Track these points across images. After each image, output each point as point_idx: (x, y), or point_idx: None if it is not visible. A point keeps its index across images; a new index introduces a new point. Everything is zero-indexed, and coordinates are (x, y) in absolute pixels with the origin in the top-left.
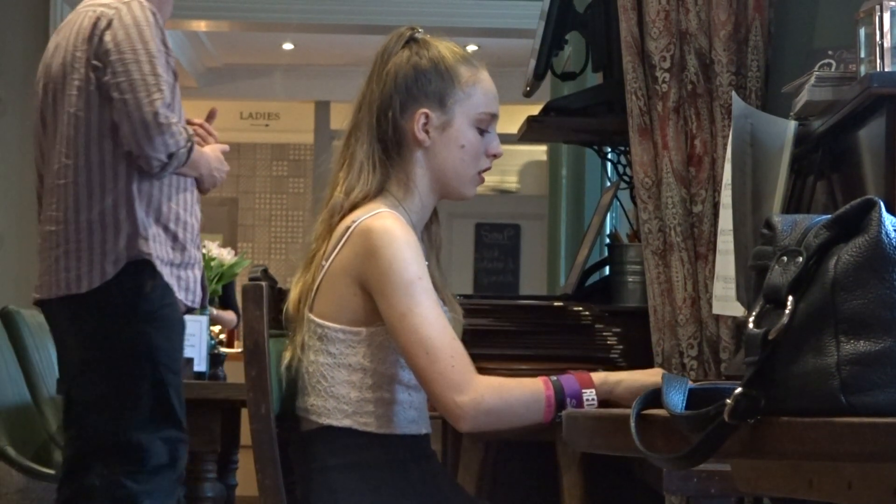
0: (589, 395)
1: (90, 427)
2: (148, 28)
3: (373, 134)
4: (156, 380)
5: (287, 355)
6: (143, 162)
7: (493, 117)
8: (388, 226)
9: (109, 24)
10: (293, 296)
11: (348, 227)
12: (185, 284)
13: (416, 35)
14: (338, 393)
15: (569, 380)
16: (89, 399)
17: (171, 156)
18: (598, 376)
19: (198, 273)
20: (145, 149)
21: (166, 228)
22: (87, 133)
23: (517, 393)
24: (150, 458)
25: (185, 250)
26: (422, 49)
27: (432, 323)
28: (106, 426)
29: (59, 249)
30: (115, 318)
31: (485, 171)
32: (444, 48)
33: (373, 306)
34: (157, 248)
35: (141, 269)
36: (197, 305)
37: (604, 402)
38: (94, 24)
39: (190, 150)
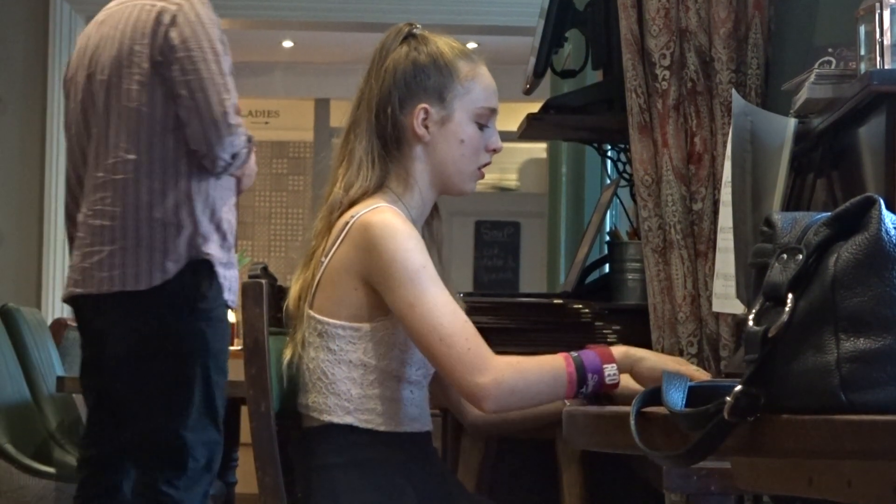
0: (610, 369)
1: (133, 426)
2: (212, 26)
3: (372, 130)
4: (206, 379)
5: (288, 353)
6: (209, 161)
7: (493, 112)
8: (388, 219)
9: (174, 21)
10: (293, 293)
11: (347, 223)
12: (229, 284)
13: (415, 31)
14: (339, 390)
15: (589, 355)
16: (136, 398)
17: (234, 156)
18: (619, 350)
19: (237, 273)
20: (214, 148)
21: (218, 228)
22: (151, 129)
23: (538, 371)
24: (192, 461)
25: (230, 250)
26: (420, 45)
27: (442, 309)
28: (152, 426)
29: (115, 245)
30: (174, 317)
31: (484, 166)
32: (443, 43)
33: (374, 301)
34: (214, 248)
35: (199, 269)
36: (234, 305)
37: (610, 398)
38: (157, 20)
39: (249, 151)
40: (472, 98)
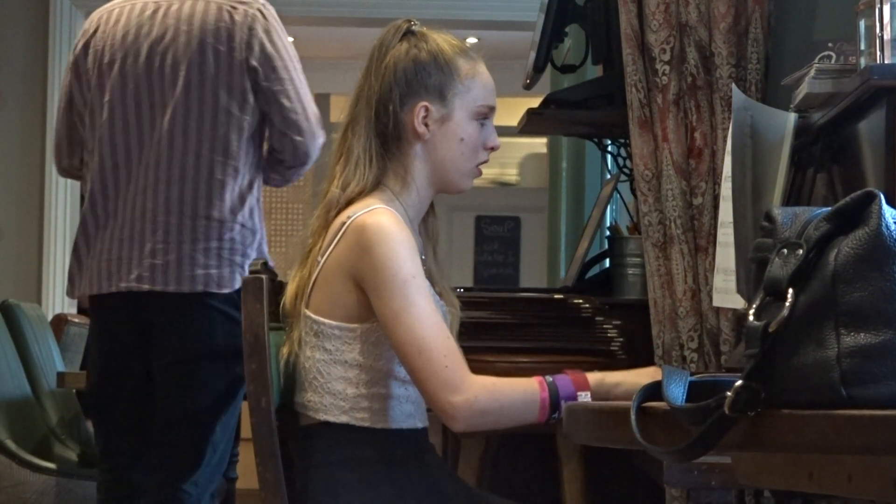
0: (584, 397)
1: (178, 428)
2: (284, 31)
3: (371, 127)
4: (241, 381)
5: (285, 351)
6: (293, 172)
7: (492, 110)
8: (383, 223)
9: (265, 29)
10: (290, 291)
11: (343, 223)
12: None
13: (413, 28)
14: (334, 389)
15: (564, 381)
16: (185, 400)
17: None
18: (595, 377)
19: None
20: (310, 159)
21: (263, 234)
22: (240, 133)
23: (511, 394)
24: (213, 457)
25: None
26: (420, 42)
27: (426, 322)
28: (194, 426)
29: (199, 245)
30: (234, 322)
31: (482, 163)
32: (443, 41)
33: (367, 302)
34: (268, 254)
35: None
36: None
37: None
38: (250, 27)
39: None
40: (472, 96)
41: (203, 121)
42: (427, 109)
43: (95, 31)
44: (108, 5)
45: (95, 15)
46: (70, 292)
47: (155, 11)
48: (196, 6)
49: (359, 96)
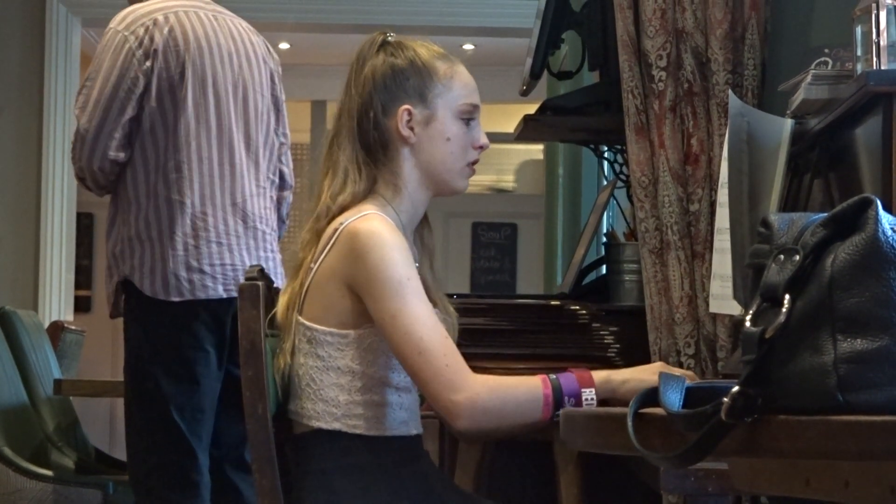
0: (588, 394)
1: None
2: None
3: (354, 138)
4: None
5: (280, 363)
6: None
7: (475, 108)
8: (375, 228)
9: (278, 72)
10: (282, 303)
11: (336, 230)
12: None
13: (389, 38)
14: (327, 396)
15: (568, 378)
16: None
17: None
18: (600, 375)
19: None
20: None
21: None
22: (272, 159)
23: (514, 391)
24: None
25: None
26: (397, 50)
27: (423, 323)
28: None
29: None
30: None
31: (474, 163)
32: (419, 46)
33: (360, 308)
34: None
35: None
36: None
37: (605, 402)
38: (272, 68)
39: None
40: (453, 95)
41: (267, 138)
42: (410, 113)
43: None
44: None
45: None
46: None
47: (207, 30)
48: (236, 30)
49: (341, 110)
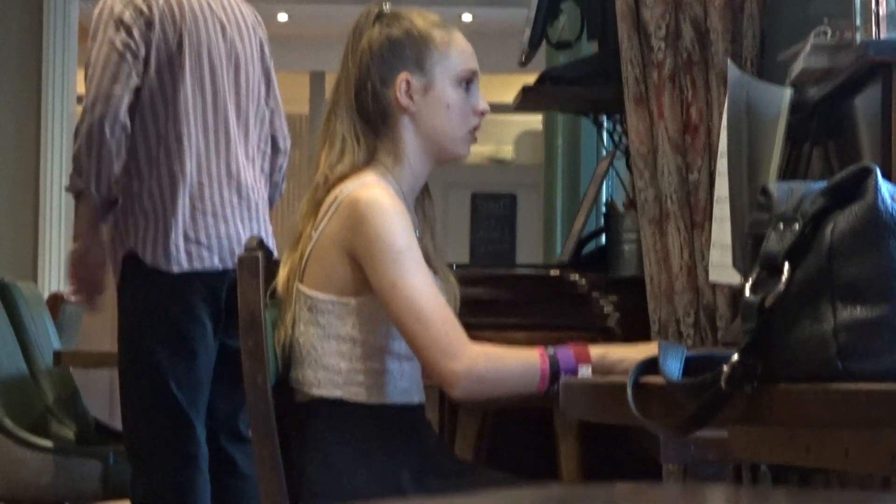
0: (585, 370)
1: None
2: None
3: (352, 109)
4: None
5: (280, 335)
6: (277, 189)
7: (474, 73)
8: (376, 196)
9: (264, 33)
10: (282, 275)
11: (336, 198)
12: None
13: (385, 9)
14: (328, 364)
15: (565, 353)
16: None
17: None
18: (597, 351)
19: None
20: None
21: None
22: (262, 130)
23: (511, 363)
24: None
25: None
26: (392, 20)
27: (423, 291)
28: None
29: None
30: None
31: (475, 129)
32: (415, 16)
33: (361, 276)
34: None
35: None
36: None
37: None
38: (262, 45)
39: None
40: (451, 62)
41: (258, 112)
42: (408, 82)
43: None
44: None
45: None
46: None
47: (198, 4)
48: (235, 6)
49: (339, 83)
